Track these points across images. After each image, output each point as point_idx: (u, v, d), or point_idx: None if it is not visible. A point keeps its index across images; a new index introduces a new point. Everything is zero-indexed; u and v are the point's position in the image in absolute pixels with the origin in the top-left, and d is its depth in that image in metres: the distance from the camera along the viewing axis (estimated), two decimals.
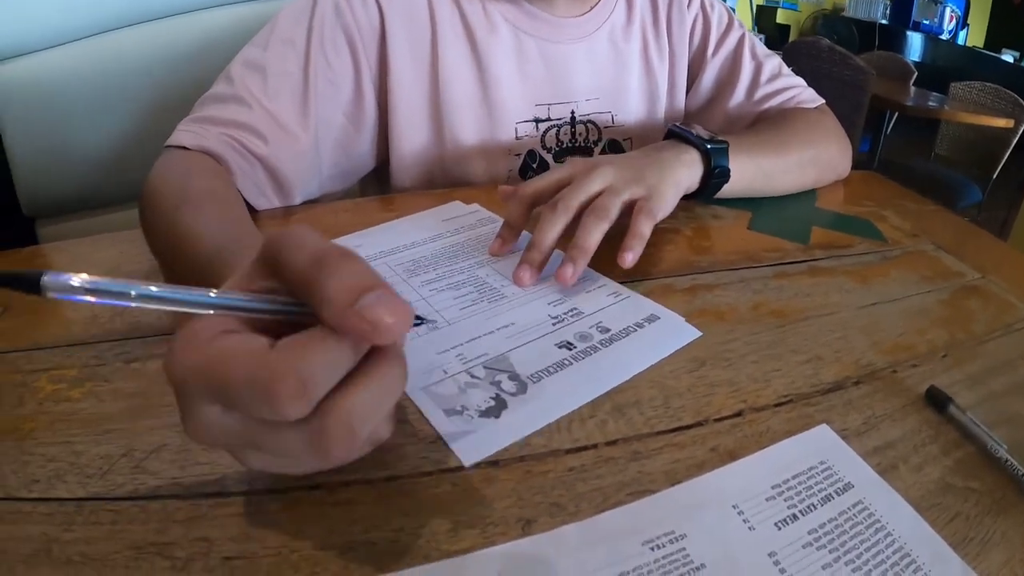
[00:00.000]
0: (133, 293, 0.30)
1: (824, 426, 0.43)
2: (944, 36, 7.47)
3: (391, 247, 0.64)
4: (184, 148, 0.69)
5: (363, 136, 0.83)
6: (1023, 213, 2.17)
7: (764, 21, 6.90)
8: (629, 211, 0.61)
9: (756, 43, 0.98)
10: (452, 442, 0.40)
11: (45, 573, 0.33)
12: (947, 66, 6.47)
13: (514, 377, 0.45)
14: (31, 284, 0.29)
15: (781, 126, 0.87)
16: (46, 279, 0.29)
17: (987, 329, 0.57)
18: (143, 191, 0.67)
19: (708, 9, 0.97)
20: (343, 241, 0.63)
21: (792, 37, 7.00)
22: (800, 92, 0.96)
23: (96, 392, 0.46)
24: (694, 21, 0.96)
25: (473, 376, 0.45)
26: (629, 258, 0.57)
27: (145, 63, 1.21)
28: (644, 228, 0.59)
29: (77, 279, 0.29)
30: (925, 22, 7.26)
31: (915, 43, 6.91)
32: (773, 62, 0.97)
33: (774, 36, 6.70)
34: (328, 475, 0.37)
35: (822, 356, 0.50)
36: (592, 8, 0.90)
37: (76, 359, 0.50)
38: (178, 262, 0.53)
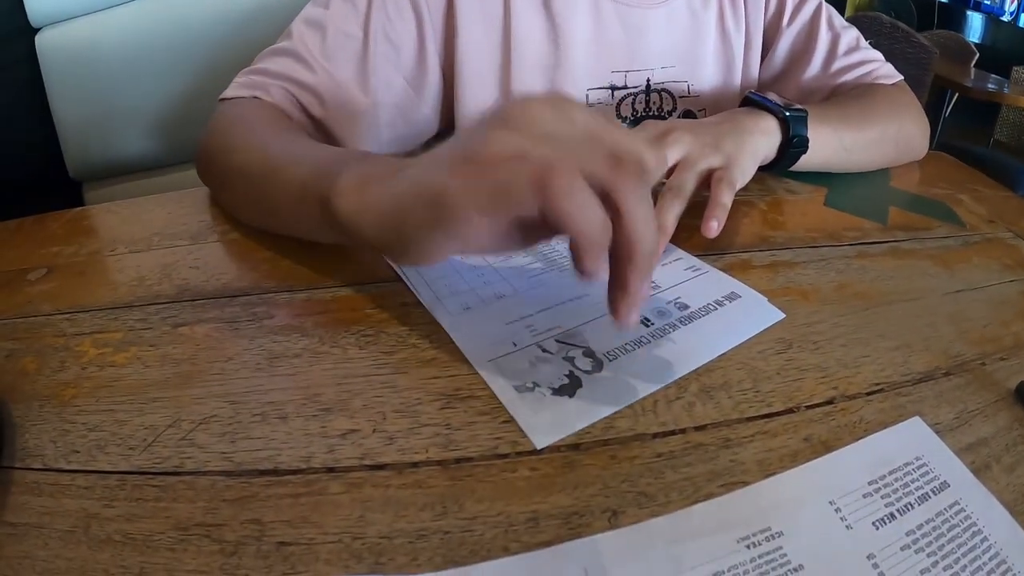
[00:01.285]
0: None
1: (917, 418, 0.40)
2: (1006, 17, 7.27)
3: None
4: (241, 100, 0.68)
5: (424, 101, 0.80)
6: None
7: None
8: (706, 180, 0.59)
9: (833, 13, 0.94)
10: (524, 422, 0.37)
11: (83, 552, 0.31)
12: (1008, 49, 6.30)
13: (589, 353, 0.43)
14: None
15: (861, 99, 0.83)
16: None
17: None
18: (215, 131, 0.65)
19: None
20: None
21: (848, 12, 6.85)
22: (879, 67, 0.92)
23: (142, 357, 0.44)
24: None
25: (545, 350, 0.43)
26: (714, 226, 0.54)
27: (193, 27, 1.21)
28: (726, 197, 0.56)
29: None
30: (986, 2, 7.06)
31: (975, 23, 6.72)
32: (851, 34, 0.92)
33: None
34: (395, 453, 0.36)
35: (911, 344, 0.48)
36: None
37: (121, 322, 0.48)
38: (281, 172, 0.53)
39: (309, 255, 0.54)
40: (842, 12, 6.66)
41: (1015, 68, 3.47)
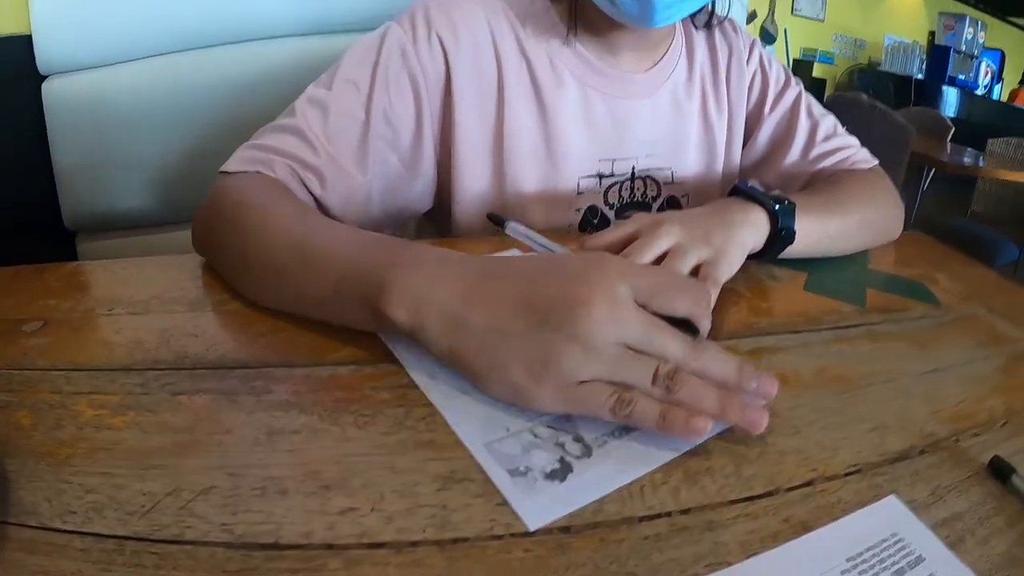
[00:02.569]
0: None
1: (893, 497, 0.42)
2: (980, 91, 7.47)
3: None
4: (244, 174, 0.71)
5: (417, 181, 0.84)
6: None
7: (801, 75, 6.89)
8: (695, 272, 0.62)
9: (812, 101, 0.99)
10: (517, 505, 0.39)
11: None
12: (983, 120, 6.48)
13: (578, 439, 0.45)
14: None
15: (841, 187, 0.87)
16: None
17: None
18: (219, 203, 0.68)
19: (766, 65, 0.98)
20: None
21: (828, 91, 7.04)
22: (855, 152, 0.97)
23: (140, 423, 0.45)
24: (752, 77, 0.98)
25: (536, 436, 0.45)
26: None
27: (197, 90, 1.24)
28: (710, 297, 0.59)
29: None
30: (961, 77, 7.27)
31: (951, 98, 6.93)
32: (829, 121, 0.97)
33: (811, 90, 6.74)
34: (393, 532, 0.37)
35: (887, 424, 0.50)
36: (656, 64, 0.91)
37: (119, 385, 0.49)
38: (309, 256, 0.56)
39: (307, 330, 0.56)
40: (823, 90, 6.85)
41: (990, 140, 3.57)
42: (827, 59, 7.26)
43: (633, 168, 0.91)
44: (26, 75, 1.19)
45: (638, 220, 0.65)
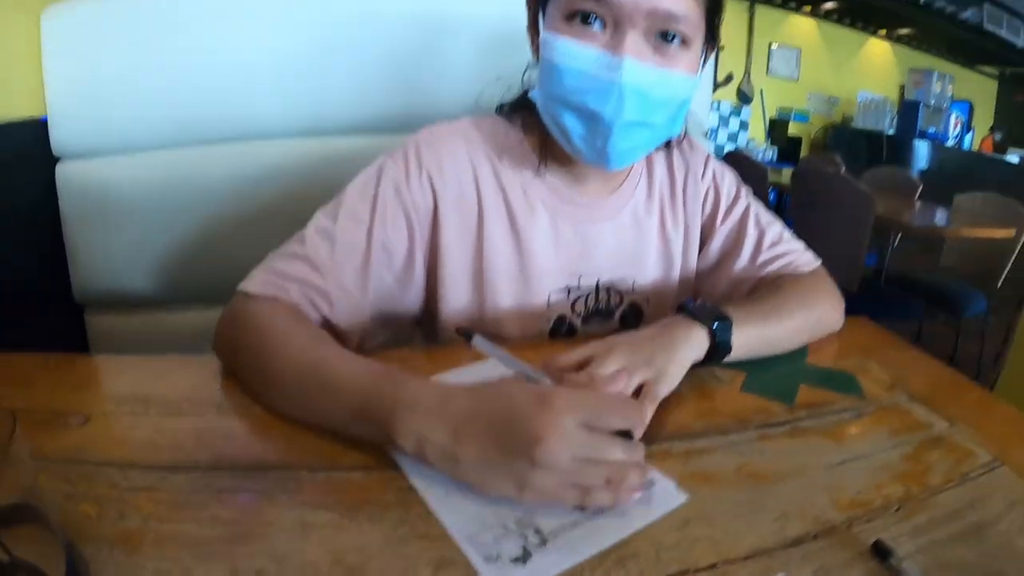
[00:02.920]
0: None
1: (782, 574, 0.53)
2: (950, 142, 7.61)
3: None
4: (262, 296, 0.81)
5: (408, 296, 0.96)
6: (1022, 328, 2.24)
7: (777, 133, 7.11)
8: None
9: (761, 211, 1.09)
10: None
11: None
12: (954, 172, 6.59)
13: (538, 532, 0.57)
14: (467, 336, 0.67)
15: (780, 293, 0.97)
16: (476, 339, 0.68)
17: (943, 480, 0.65)
18: (242, 323, 0.79)
19: (719, 181, 1.09)
20: None
21: (803, 148, 7.18)
22: (798, 256, 1.07)
23: (196, 517, 0.55)
24: (707, 192, 1.08)
25: (507, 528, 0.57)
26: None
27: (204, 182, 1.32)
28: (647, 413, 0.70)
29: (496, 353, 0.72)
30: (931, 130, 7.41)
31: (922, 151, 7.05)
32: (775, 228, 1.08)
33: (786, 148, 6.90)
34: None
35: (788, 514, 0.59)
36: (619, 187, 1.02)
37: (170, 483, 0.59)
38: (325, 381, 0.69)
39: (319, 436, 0.67)
40: (799, 148, 6.99)
41: (956, 196, 3.65)
42: (802, 117, 7.40)
43: (598, 281, 1.02)
44: (41, 156, 1.27)
45: (593, 346, 0.76)
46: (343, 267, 0.87)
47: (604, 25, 0.81)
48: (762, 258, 1.06)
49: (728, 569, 0.54)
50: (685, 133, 1.06)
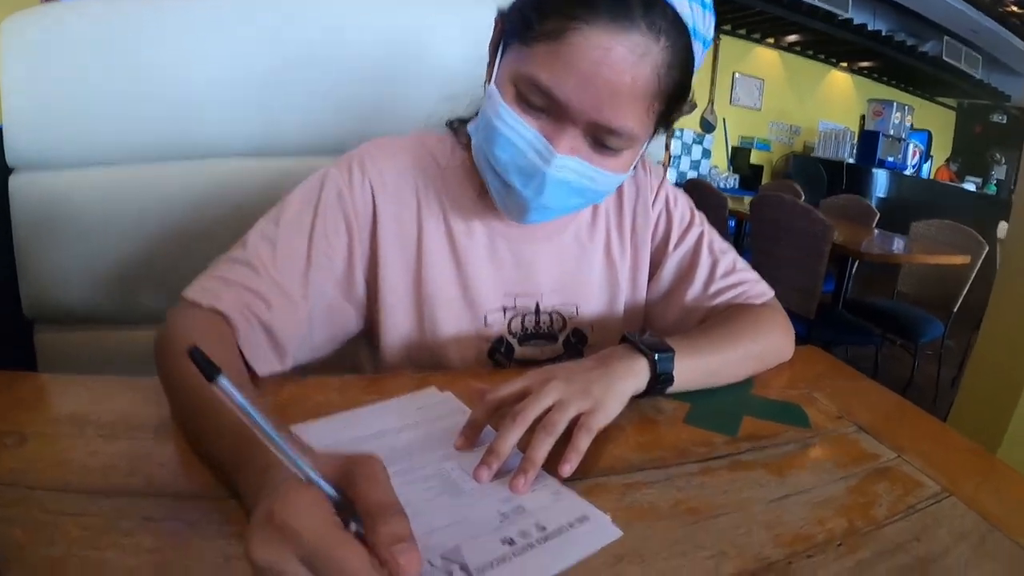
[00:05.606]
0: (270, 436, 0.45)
1: None
2: (908, 171, 7.77)
3: (371, 432, 0.73)
4: (198, 304, 0.79)
5: (350, 305, 0.94)
6: (977, 352, 2.26)
7: (739, 161, 7.24)
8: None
9: (715, 238, 1.08)
10: None
11: None
12: (912, 199, 6.76)
13: (464, 568, 0.53)
14: (210, 376, 0.43)
15: (729, 323, 0.96)
16: (223, 382, 0.43)
17: (889, 513, 0.64)
18: (163, 339, 0.77)
19: (672, 206, 1.07)
20: (331, 423, 0.74)
21: (765, 176, 7.30)
22: (751, 287, 1.05)
23: (120, 544, 0.52)
24: (658, 218, 1.07)
25: (432, 564, 0.54)
26: (566, 469, 0.66)
27: (158, 199, 1.32)
28: (581, 443, 0.68)
29: (240, 400, 0.44)
30: (890, 159, 7.57)
31: (880, 180, 7.20)
32: (728, 258, 1.06)
33: (748, 175, 7.01)
34: None
35: (726, 551, 0.57)
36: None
37: (98, 507, 0.56)
38: (208, 422, 0.63)
39: None
40: (760, 175, 7.10)
41: (913, 223, 3.74)
42: (764, 146, 7.55)
43: (537, 304, 1.01)
44: None
45: (530, 377, 0.74)
46: (284, 272, 0.85)
47: (548, 112, 0.79)
48: (714, 287, 1.04)
49: None
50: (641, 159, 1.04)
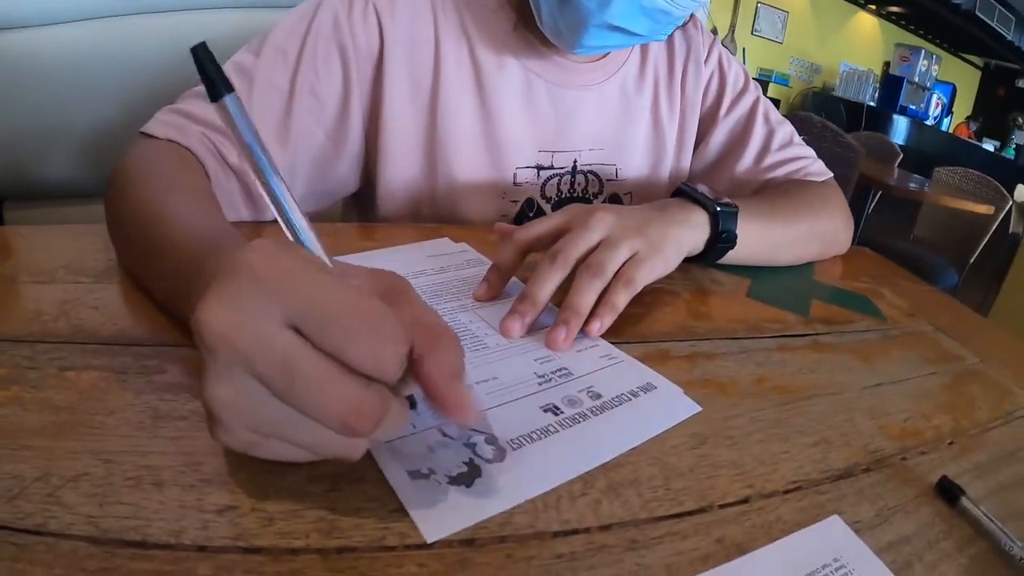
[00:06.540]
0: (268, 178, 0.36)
1: (836, 517, 0.39)
2: (929, 122, 7.68)
3: None
4: (155, 138, 0.66)
5: (343, 158, 0.79)
6: (1001, 299, 2.17)
7: None
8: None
9: (770, 108, 0.96)
10: (414, 511, 0.34)
11: None
12: (931, 151, 6.65)
13: (492, 440, 0.40)
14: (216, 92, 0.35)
15: (791, 196, 0.85)
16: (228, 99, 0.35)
17: (990, 416, 0.55)
18: (119, 169, 0.63)
19: (725, 67, 0.95)
20: None
21: (782, 112, 7.15)
22: (810, 164, 0.94)
23: (21, 399, 0.40)
24: (710, 78, 0.95)
25: (445, 434, 0.40)
26: (595, 327, 0.53)
27: (136, 55, 1.19)
28: (619, 298, 0.55)
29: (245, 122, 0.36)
30: (912, 107, 7.46)
31: (901, 126, 7.12)
32: (786, 129, 0.94)
33: None
34: (272, 537, 0.32)
35: (830, 439, 0.47)
36: (606, 55, 0.86)
37: (7, 356, 0.44)
38: (156, 239, 0.50)
39: None
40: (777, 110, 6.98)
41: (937, 169, 3.65)
42: (783, 80, 7.39)
43: (575, 162, 0.87)
44: None
45: (569, 210, 0.61)
46: (261, 112, 0.71)
47: None
48: (769, 160, 0.93)
49: (764, 505, 0.39)
50: (692, 15, 0.90)
